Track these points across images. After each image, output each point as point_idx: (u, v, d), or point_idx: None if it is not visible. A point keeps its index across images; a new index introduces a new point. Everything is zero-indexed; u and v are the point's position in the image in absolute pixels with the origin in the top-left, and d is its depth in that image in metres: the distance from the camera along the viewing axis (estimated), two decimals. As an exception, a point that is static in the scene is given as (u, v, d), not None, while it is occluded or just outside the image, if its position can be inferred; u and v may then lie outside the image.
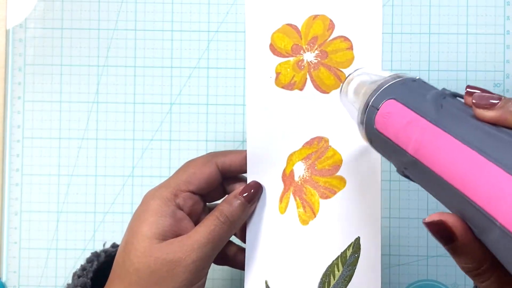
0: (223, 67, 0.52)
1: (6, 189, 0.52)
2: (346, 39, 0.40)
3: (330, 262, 0.40)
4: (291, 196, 0.41)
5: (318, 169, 0.41)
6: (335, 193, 0.40)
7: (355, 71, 0.37)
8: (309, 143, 0.41)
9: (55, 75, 0.53)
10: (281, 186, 0.41)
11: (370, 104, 0.31)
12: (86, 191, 0.52)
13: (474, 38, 0.52)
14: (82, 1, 0.53)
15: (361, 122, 0.32)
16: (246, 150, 0.41)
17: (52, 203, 0.52)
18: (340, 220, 0.40)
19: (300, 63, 0.41)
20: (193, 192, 0.40)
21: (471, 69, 0.51)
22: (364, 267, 0.39)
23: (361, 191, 0.40)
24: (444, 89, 0.29)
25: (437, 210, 0.52)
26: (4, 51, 0.52)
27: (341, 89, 0.37)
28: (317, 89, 0.41)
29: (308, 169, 0.41)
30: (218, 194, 0.43)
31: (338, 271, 0.40)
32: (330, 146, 0.41)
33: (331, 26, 0.40)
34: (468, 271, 0.26)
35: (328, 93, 0.41)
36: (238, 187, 0.41)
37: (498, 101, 0.26)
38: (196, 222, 0.40)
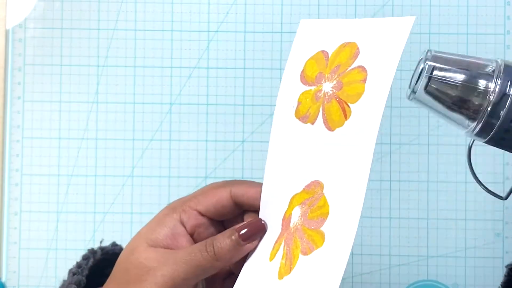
0: (223, 67, 0.52)
1: (6, 189, 0.52)
2: (363, 69, 0.37)
3: None
4: (282, 244, 0.37)
5: (309, 218, 0.36)
6: (313, 250, 0.35)
7: (424, 62, 0.34)
8: (308, 187, 0.37)
9: (54, 75, 0.53)
10: (279, 230, 0.37)
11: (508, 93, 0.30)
12: (86, 191, 0.52)
13: (474, 38, 0.51)
14: (81, 1, 0.53)
15: (491, 116, 0.31)
16: (260, 184, 0.39)
17: (52, 203, 0.52)
18: (307, 282, 0.35)
19: (318, 93, 0.38)
20: (201, 213, 0.38)
21: (471, 69, 0.51)
22: None
23: (332, 255, 0.35)
24: None
25: (437, 211, 0.52)
26: (4, 51, 0.52)
27: (414, 87, 0.34)
28: (325, 125, 0.37)
29: (301, 216, 0.37)
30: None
31: None
32: (323, 194, 0.36)
33: (356, 54, 0.37)
34: None
35: (332, 130, 0.37)
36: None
37: None
38: None
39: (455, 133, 0.50)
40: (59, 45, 0.53)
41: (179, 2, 0.52)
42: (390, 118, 0.52)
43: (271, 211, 0.38)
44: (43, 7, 0.53)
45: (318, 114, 0.38)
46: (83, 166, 0.52)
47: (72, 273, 0.41)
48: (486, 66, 0.33)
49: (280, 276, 0.36)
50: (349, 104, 0.36)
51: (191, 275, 0.35)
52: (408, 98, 0.35)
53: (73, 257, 0.52)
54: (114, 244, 0.44)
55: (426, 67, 0.33)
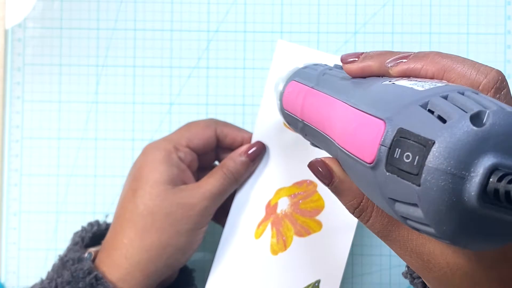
0: (223, 67, 0.52)
1: (5, 189, 0.52)
2: None
3: None
4: (269, 225, 0.43)
5: (301, 208, 0.43)
6: (309, 233, 0.42)
7: (286, 72, 0.39)
8: (299, 183, 0.43)
9: (54, 75, 0.53)
10: (262, 213, 0.43)
11: (281, 90, 0.36)
12: (85, 191, 0.52)
13: (475, 38, 0.51)
14: (81, 0, 0.52)
15: (279, 109, 0.36)
16: (245, 131, 0.45)
17: (51, 203, 0.52)
18: (306, 259, 0.42)
19: None
20: (192, 149, 0.43)
21: (472, 69, 0.51)
22: None
23: (333, 239, 0.42)
24: (335, 64, 0.33)
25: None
26: (3, 51, 0.52)
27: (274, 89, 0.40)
28: None
29: (291, 206, 0.43)
30: (210, 159, 0.46)
31: None
32: (317, 191, 0.43)
33: None
34: (353, 210, 0.28)
35: None
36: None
37: (361, 55, 0.29)
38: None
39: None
40: (58, 44, 0.53)
41: (178, 2, 0.52)
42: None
43: (255, 198, 0.43)
44: (43, 7, 0.53)
45: None
46: (83, 166, 0.52)
47: (75, 233, 0.44)
48: None
49: (274, 252, 0.42)
50: None
51: (221, 200, 0.42)
52: None
53: (73, 258, 0.52)
54: None
55: None
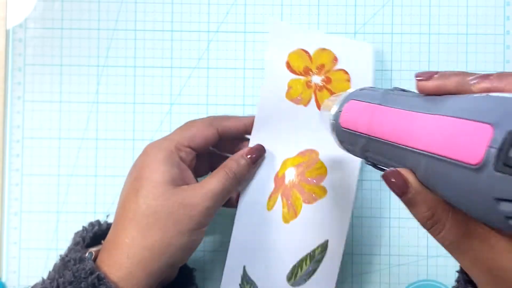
0: (223, 67, 0.52)
1: (6, 189, 0.52)
2: (346, 72, 0.47)
3: (300, 257, 0.46)
4: (279, 197, 0.46)
5: (306, 177, 0.46)
6: (316, 200, 0.46)
7: (331, 96, 0.41)
8: (302, 153, 0.47)
9: (55, 75, 0.53)
10: (272, 186, 0.46)
11: (337, 110, 0.37)
12: (86, 191, 0.52)
13: (474, 38, 0.52)
14: (82, 1, 0.53)
15: (333, 129, 0.37)
16: (245, 117, 0.47)
17: (52, 203, 0.52)
18: (315, 223, 0.46)
19: (308, 83, 0.47)
20: (192, 149, 0.44)
21: (471, 70, 0.51)
22: (327, 264, 0.46)
23: (336, 202, 0.46)
24: (395, 87, 0.35)
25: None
26: (4, 51, 0.52)
27: (321, 110, 0.41)
28: (318, 108, 0.46)
29: (298, 175, 0.46)
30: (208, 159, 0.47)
31: (306, 265, 0.46)
32: (319, 159, 0.46)
33: (335, 60, 0.47)
34: (425, 222, 0.28)
35: None
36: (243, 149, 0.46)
37: (436, 74, 0.30)
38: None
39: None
40: (59, 45, 0.53)
41: (179, 2, 0.52)
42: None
43: (263, 172, 0.46)
44: (43, 7, 0.53)
45: (310, 99, 0.47)
46: (83, 166, 0.52)
47: (76, 233, 0.44)
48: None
49: (286, 221, 0.46)
50: None
51: (223, 200, 0.43)
52: None
53: (73, 257, 0.52)
54: None
55: None
